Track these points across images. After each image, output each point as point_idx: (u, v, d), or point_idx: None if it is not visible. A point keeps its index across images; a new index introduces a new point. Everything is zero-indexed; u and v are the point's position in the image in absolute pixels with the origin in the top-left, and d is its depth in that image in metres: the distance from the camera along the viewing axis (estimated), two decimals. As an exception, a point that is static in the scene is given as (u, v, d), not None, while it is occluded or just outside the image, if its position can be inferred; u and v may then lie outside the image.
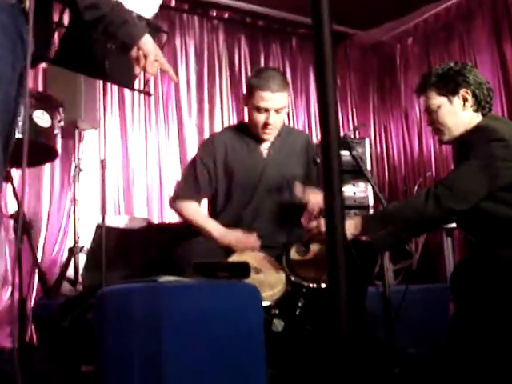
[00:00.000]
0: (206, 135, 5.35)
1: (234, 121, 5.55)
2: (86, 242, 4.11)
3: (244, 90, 5.52)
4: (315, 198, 2.57)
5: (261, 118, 2.67)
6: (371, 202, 5.28)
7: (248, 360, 1.74)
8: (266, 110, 2.65)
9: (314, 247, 2.42)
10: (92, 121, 4.39)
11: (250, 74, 5.72)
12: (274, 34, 5.97)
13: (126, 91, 5.03)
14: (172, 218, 5.01)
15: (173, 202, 2.86)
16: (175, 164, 5.20)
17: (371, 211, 5.18)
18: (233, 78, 5.66)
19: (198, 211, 2.79)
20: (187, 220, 2.82)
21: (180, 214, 2.86)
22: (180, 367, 1.65)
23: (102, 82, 4.79)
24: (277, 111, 2.67)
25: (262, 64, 5.83)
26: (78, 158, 4.20)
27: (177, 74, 5.28)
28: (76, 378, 2.02)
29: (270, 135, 2.76)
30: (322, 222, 2.23)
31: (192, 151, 5.26)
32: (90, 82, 4.25)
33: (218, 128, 5.41)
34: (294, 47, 6.08)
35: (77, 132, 4.27)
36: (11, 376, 2.46)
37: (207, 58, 5.53)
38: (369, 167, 5.16)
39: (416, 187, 4.61)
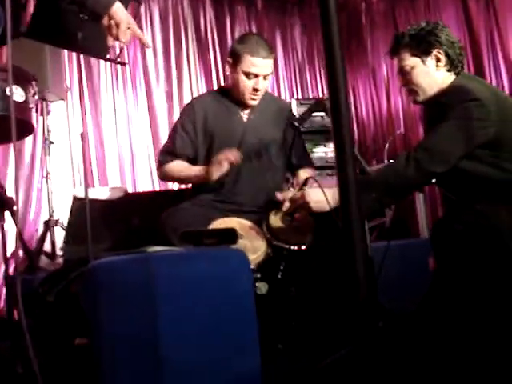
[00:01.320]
0: (175, 101, 5.33)
1: (202, 85, 5.53)
2: (60, 215, 4.09)
3: (211, 55, 5.58)
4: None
5: (249, 83, 2.71)
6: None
7: (240, 322, 1.79)
8: (256, 76, 2.69)
9: (298, 215, 2.44)
10: (59, 92, 4.32)
11: (216, 37, 5.70)
12: (239, -4, 5.92)
13: (92, 60, 4.95)
14: (145, 186, 5.02)
15: (159, 171, 2.89)
16: (146, 131, 5.17)
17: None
18: (199, 42, 5.61)
19: (181, 164, 2.80)
20: (174, 177, 2.87)
21: (167, 176, 2.89)
22: (175, 334, 1.69)
23: (66, 51, 4.75)
24: (264, 77, 2.71)
25: (228, 27, 5.78)
26: (48, 131, 4.15)
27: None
28: (69, 351, 2.04)
29: (256, 100, 2.79)
30: (306, 191, 2.25)
31: (162, 117, 5.25)
32: (55, 52, 4.19)
33: (186, 94, 5.39)
34: (260, 9, 6.03)
35: (45, 104, 4.20)
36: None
37: (172, 23, 5.46)
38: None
39: (387, 146, 4.69)
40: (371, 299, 0.81)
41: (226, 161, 2.53)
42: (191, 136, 2.79)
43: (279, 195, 2.45)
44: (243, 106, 2.83)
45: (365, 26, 6.07)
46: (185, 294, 1.72)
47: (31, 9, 2.35)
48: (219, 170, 2.54)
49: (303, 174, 2.89)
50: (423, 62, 2.32)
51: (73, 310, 2.41)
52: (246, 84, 2.71)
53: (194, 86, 5.48)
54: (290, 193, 2.44)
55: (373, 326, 0.82)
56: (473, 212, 2.12)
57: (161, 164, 2.84)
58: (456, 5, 5.12)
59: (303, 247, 2.45)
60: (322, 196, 2.16)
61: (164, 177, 2.92)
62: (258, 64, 2.66)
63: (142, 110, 5.19)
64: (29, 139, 4.42)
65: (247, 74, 2.69)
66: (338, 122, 0.76)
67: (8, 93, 2.34)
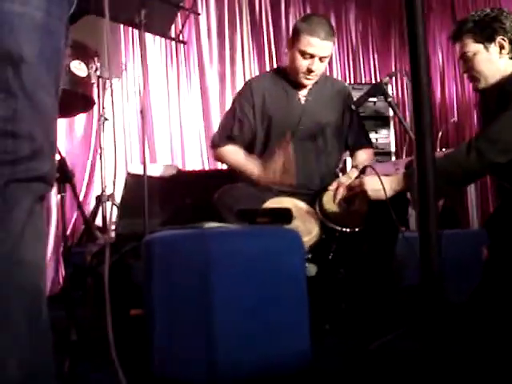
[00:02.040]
0: (228, 82, 5.36)
1: (255, 67, 5.53)
2: (112, 190, 4.17)
3: (265, 37, 5.57)
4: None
5: (304, 63, 2.67)
6: (393, 149, 5.30)
7: (291, 300, 1.81)
8: (312, 57, 2.65)
9: (355, 202, 2.44)
10: (116, 70, 4.39)
11: (270, 20, 5.68)
12: (294, -22, 5.88)
13: (147, 39, 5.00)
14: (195, 165, 5.08)
15: (214, 150, 2.91)
16: (197, 111, 5.21)
17: (393, 158, 5.21)
18: (253, 23, 5.61)
19: (238, 153, 2.80)
20: (229, 164, 2.87)
21: (222, 160, 2.92)
22: (227, 308, 1.71)
23: (122, 29, 4.81)
24: (321, 59, 2.67)
25: (283, 9, 5.76)
26: (103, 107, 4.22)
27: (197, 20, 5.23)
28: (124, 321, 2.09)
29: (311, 81, 2.77)
30: (365, 180, 2.24)
31: (214, 98, 5.28)
32: (112, 29, 4.23)
33: (239, 75, 5.41)
34: (315, -9, 5.98)
35: (101, 81, 4.27)
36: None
37: (227, 4, 5.47)
38: (390, 114, 5.15)
39: (440, 133, 4.63)
40: (440, 288, 0.81)
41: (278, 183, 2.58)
42: (250, 118, 2.78)
43: (334, 184, 2.49)
44: (300, 87, 2.81)
45: (421, 12, 5.95)
46: (238, 271, 1.74)
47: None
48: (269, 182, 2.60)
49: (361, 155, 2.89)
50: (486, 48, 2.27)
51: (126, 282, 2.47)
52: (302, 63, 2.68)
53: (247, 67, 5.49)
54: (343, 179, 2.46)
55: (439, 314, 0.82)
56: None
57: (217, 145, 2.85)
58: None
59: (356, 229, 2.46)
60: (379, 184, 2.16)
61: (219, 159, 2.96)
62: (315, 44, 2.62)
63: (194, 89, 5.24)
64: (84, 115, 4.51)
65: (303, 53, 2.65)
66: (418, 100, 0.77)
67: (73, 69, 2.40)
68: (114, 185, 4.07)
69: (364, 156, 2.90)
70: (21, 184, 1.01)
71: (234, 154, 2.79)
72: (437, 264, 0.78)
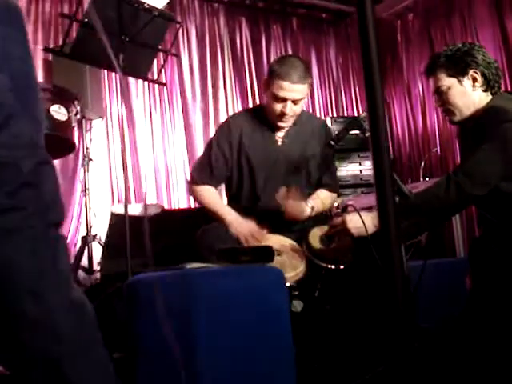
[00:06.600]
0: (211, 118, 5.40)
1: (237, 103, 5.59)
2: (98, 230, 4.17)
3: (247, 73, 5.65)
4: (292, 208, 2.62)
5: (277, 107, 2.64)
6: (377, 180, 5.34)
7: (276, 339, 1.81)
8: (284, 100, 2.61)
9: (337, 239, 2.45)
10: (99, 110, 4.42)
11: (251, 56, 5.77)
12: (274, 16, 5.99)
13: (130, 79, 5.04)
14: (181, 203, 5.08)
15: (190, 187, 2.89)
16: (182, 149, 5.24)
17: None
18: (235, 60, 5.68)
19: (213, 196, 2.79)
20: (203, 205, 2.84)
21: (196, 198, 2.89)
22: (211, 349, 1.71)
23: (106, 70, 4.85)
24: (294, 102, 2.63)
25: (264, 46, 5.86)
26: (87, 148, 4.23)
27: (179, 60, 5.29)
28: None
29: (286, 123, 2.74)
30: (347, 218, 2.25)
31: (198, 135, 5.31)
32: (95, 71, 4.27)
33: (222, 112, 5.46)
34: (295, 28, 6.10)
35: (84, 122, 4.30)
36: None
37: (209, 42, 5.55)
38: (373, 145, 5.19)
39: (423, 164, 4.68)
40: (409, 319, 0.82)
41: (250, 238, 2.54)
42: (226, 156, 2.78)
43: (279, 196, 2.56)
44: (277, 128, 2.79)
45: (400, 44, 6.07)
46: (221, 310, 1.74)
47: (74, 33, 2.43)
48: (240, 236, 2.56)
49: (321, 193, 2.88)
50: (460, 82, 2.31)
51: (111, 323, 2.45)
52: (275, 106, 2.64)
53: (230, 104, 5.54)
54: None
55: (409, 346, 0.83)
56: (509, 233, 2.11)
57: (195, 182, 2.83)
58: (493, 23, 5.09)
59: (341, 267, 2.46)
60: (361, 222, 2.17)
61: (193, 195, 2.92)
62: (286, 88, 2.58)
63: (178, 127, 5.27)
64: (72, 155, 4.52)
65: (275, 97, 2.61)
66: (376, 140, 0.78)
67: (52, 113, 2.42)
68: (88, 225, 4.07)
69: (325, 194, 2.89)
70: None
71: (210, 194, 2.78)
72: (403, 298, 0.79)
